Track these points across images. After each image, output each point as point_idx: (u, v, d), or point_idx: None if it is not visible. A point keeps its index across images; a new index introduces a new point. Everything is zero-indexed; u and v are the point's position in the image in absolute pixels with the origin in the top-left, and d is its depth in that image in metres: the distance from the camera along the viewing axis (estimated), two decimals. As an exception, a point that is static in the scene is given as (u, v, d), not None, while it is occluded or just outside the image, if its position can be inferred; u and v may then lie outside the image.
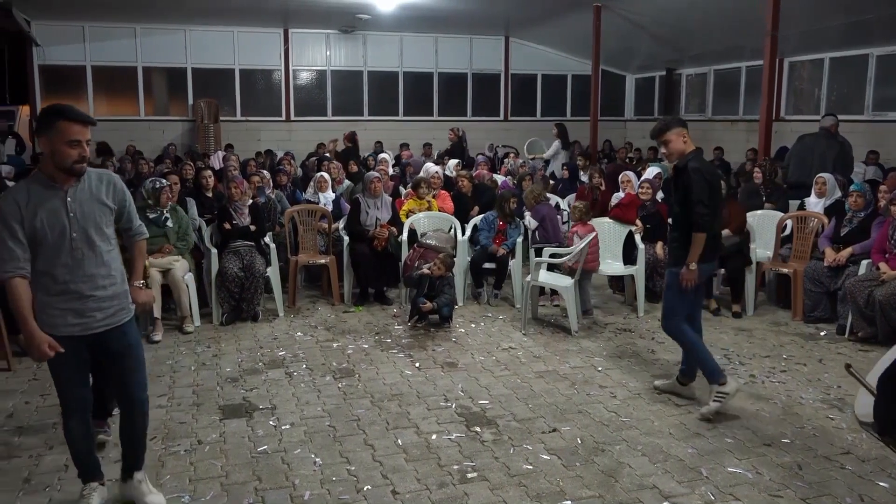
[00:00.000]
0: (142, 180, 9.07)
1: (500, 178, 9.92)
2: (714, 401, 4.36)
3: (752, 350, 5.66)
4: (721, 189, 4.79)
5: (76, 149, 2.92)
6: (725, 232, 6.58)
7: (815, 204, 7.09)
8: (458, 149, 13.22)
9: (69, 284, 3.00)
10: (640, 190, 7.22)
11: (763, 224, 7.21)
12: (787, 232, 7.05)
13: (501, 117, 16.81)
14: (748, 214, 6.96)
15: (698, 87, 15.60)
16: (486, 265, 6.93)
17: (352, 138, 12.71)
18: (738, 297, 6.61)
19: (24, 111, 16.26)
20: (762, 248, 7.02)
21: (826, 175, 7.22)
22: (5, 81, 13.14)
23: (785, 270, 6.66)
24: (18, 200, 2.93)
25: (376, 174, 7.38)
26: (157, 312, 5.86)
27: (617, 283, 7.36)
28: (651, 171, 8.57)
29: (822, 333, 6.05)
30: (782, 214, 7.17)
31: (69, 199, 2.99)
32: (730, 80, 14.54)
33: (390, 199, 7.37)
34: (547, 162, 12.91)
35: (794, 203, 7.72)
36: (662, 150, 4.53)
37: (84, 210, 3.02)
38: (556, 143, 12.92)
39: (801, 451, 3.96)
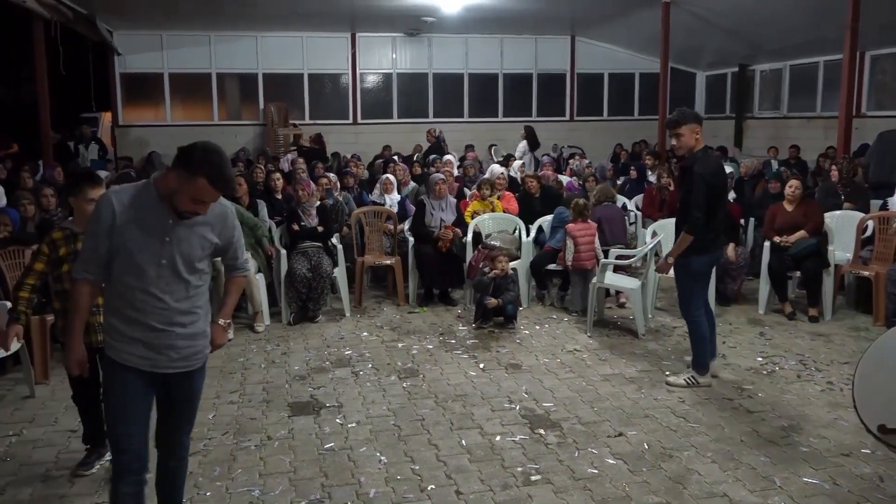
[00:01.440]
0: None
1: (565, 179, 9.83)
2: (685, 380, 4.84)
3: (830, 356, 5.44)
4: (726, 188, 5.12)
5: (197, 206, 2.62)
6: (800, 233, 6.37)
7: (897, 204, 6.78)
8: (436, 150, 12.93)
9: (145, 313, 2.65)
10: None
11: (842, 225, 6.91)
12: (869, 233, 6.75)
13: (567, 117, 16.65)
14: (826, 215, 6.69)
15: (773, 83, 15.08)
16: (550, 266, 6.87)
17: (318, 140, 12.80)
18: (814, 300, 6.36)
19: (107, 117, 17.02)
20: (841, 250, 6.72)
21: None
22: (90, 89, 13.77)
23: (866, 273, 6.37)
24: (117, 206, 2.61)
25: (440, 176, 7.42)
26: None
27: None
28: (722, 171, 8.35)
29: (906, 339, 5.76)
30: (862, 215, 6.86)
31: (175, 222, 2.65)
32: (807, 75, 14.01)
33: (455, 200, 7.40)
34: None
35: (875, 203, 7.38)
36: (673, 141, 4.63)
37: (181, 238, 2.66)
38: (523, 145, 12.99)
39: (882, 461, 3.78)
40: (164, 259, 2.64)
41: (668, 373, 5.08)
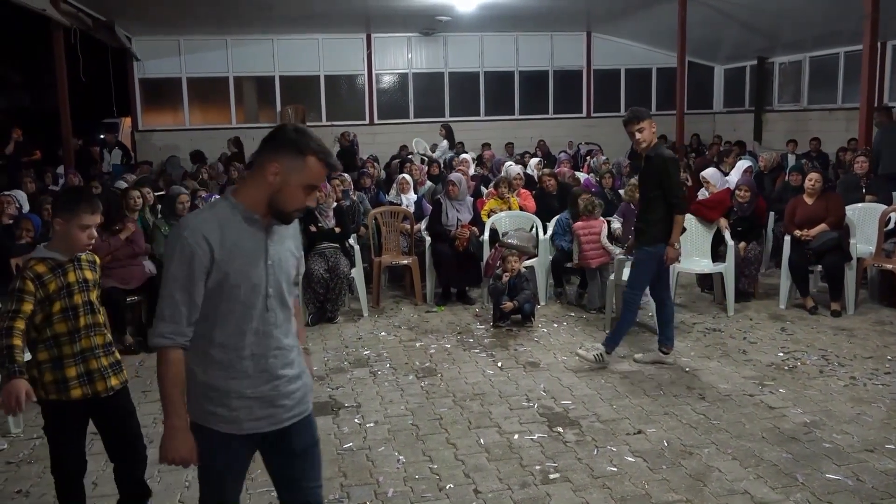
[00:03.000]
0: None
1: (582, 176, 9.79)
2: (593, 355, 5.09)
3: (853, 351, 5.37)
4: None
5: (311, 195, 2.20)
6: (821, 226, 6.29)
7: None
8: (348, 154, 12.67)
9: (260, 361, 2.18)
10: (738, 193, 6.85)
11: (864, 217, 6.82)
12: (892, 226, 6.65)
13: (584, 114, 16.57)
14: (847, 208, 6.60)
15: (792, 75, 14.89)
16: (569, 265, 6.84)
17: (237, 143, 12.81)
18: (837, 294, 6.27)
19: (127, 122, 17.23)
20: (863, 244, 6.63)
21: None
22: (111, 95, 13.97)
23: (889, 266, 6.28)
24: (210, 237, 2.08)
25: (458, 176, 7.41)
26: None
27: (705, 281, 7.12)
28: (741, 165, 8.27)
29: (931, 333, 5.68)
30: (885, 207, 6.76)
31: (269, 240, 2.19)
32: (827, 66, 13.82)
33: (471, 199, 7.39)
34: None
35: (897, 195, 7.27)
36: (637, 136, 4.85)
37: (279, 258, 2.21)
38: (444, 144, 13.05)
39: (907, 458, 3.73)
40: (271, 287, 2.18)
41: (579, 347, 5.34)
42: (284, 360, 2.23)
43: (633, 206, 6.61)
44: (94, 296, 3.01)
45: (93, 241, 2.96)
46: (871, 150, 8.01)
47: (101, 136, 14.98)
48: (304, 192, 2.15)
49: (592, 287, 6.62)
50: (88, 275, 3.00)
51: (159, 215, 6.80)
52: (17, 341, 2.80)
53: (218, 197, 2.14)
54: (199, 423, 2.19)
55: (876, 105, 9.76)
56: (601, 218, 6.69)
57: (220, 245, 2.08)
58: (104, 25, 11.95)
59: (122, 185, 9.23)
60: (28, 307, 2.83)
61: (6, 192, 6.60)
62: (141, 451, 3.16)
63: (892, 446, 3.84)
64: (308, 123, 14.72)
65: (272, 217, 2.17)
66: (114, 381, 3.01)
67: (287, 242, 2.27)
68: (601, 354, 5.12)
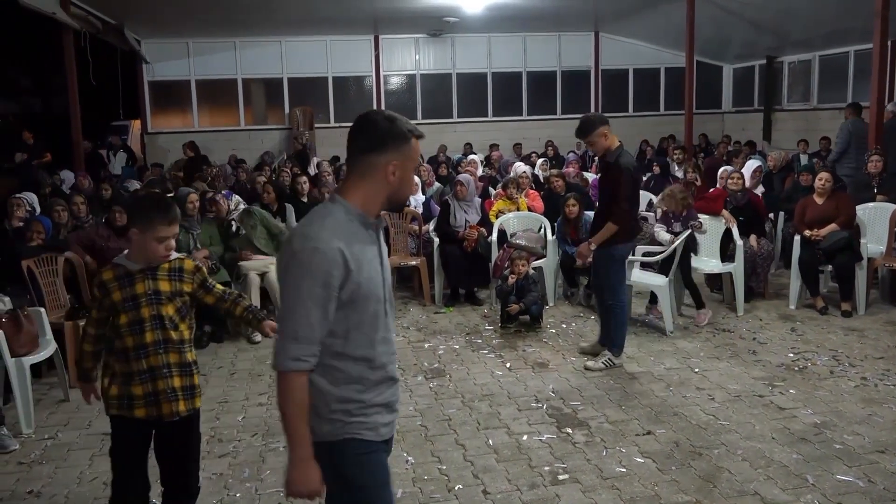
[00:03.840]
0: (241, 187, 9.49)
1: (591, 177, 9.76)
2: (603, 363, 5.12)
3: (864, 351, 5.34)
4: (640, 182, 5.68)
5: (413, 176, 2.15)
6: (831, 226, 6.25)
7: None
8: (302, 157, 12.69)
9: (387, 368, 2.10)
10: (729, 180, 6.88)
11: (875, 217, 6.77)
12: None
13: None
14: (858, 207, 6.56)
15: (802, 74, 14.81)
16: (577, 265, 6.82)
17: (192, 146, 12.72)
18: (847, 295, 6.24)
19: (136, 125, 17.31)
20: (874, 243, 6.59)
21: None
22: (120, 98, 14.04)
23: (900, 266, 6.24)
24: (343, 248, 1.94)
25: (466, 177, 7.41)
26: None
27: (714, 281, 7.09)
28: (751, 165, 8.23)
29: (943, 333, 5.64)
30: (895, 206, 6.72)
31: (380, 242, 2.10)
32: (837, 65, 13.73)
33: (479, 200, 7.39)
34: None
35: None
36: (592, 148, 4.99)
37: (386, 258, 2.14)
38: None
39: (919, 459, 3.70)
40: (387, 291, 2.11)
41: (587, 359, 5.29)
42: (395, 365, 2.17)
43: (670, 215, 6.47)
44: (168, 309, 2.77)
45: (171, 252, 2.79)
46: (881, 147, 7.97)
47: (109, 139, 15.04)
48: (412, 176, 2.12)
49: None
50: (164, 286, 2.77)
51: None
52: (87, 346, 2.87)
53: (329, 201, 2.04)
54: (342, 439, 2.02)
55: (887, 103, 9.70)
56: None
57: (351, 255, 1.95)
58: (113, 28, 12.01)
59: (132, 187, 9.30)
60: (95, 313, 2.82)
61: (17, 195, 6.64)
62: (193, 484, 2.97)
63: (904, 447, 3.82)
64: (316, 125, 14.78)
65: (386, 209, 2.13)
66: (181, 407, 2.79)
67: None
68: (610, 359, 5.16)
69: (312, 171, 11.27)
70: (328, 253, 1.91)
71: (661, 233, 6.32)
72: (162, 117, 15.29)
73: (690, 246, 6.27)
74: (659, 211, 6.89)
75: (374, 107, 15.58)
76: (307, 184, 7.91)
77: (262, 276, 6.24)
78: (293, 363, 1.93)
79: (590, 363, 5.20)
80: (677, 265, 6.02)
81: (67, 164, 11.14)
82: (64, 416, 4.66)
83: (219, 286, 3.01)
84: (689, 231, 6.15)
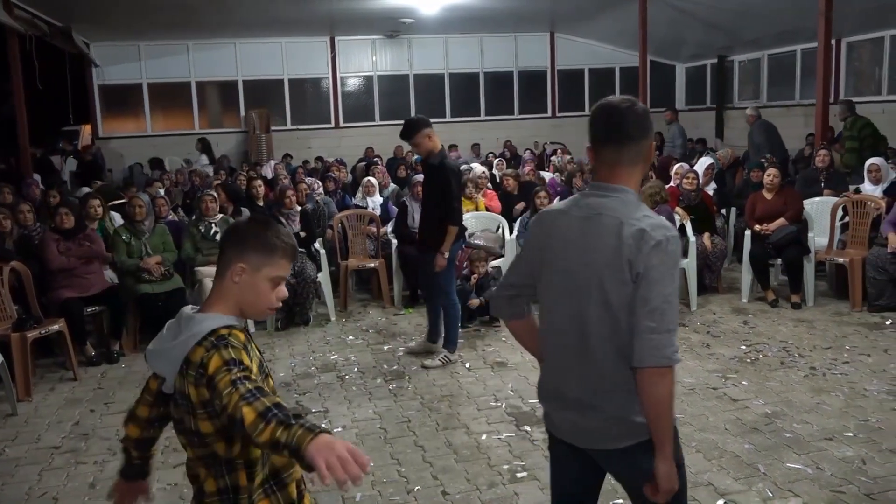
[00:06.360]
0: (196, 192, 9.33)
1: (547, 176, 9.84)
2: (440, 360, 5.25)
3: (813, 342, 5.48)
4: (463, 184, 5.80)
5: None
6: (780, 221, 6.40)
7: (871, 191, 6.85)
8: (94, 167, 12.65)
9: None
10: (684, 180, 7.02)
11: (821, 212, 6.96)
12: (848, 219, 6.80)
13: (549, 114, 16.68)
14: (805, 202, 6.74)
15: (752, 72, 15.16)
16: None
17: (88, 150, 12.72)
18: (796, 287, 6.40)
19: (87, 130, 16.92)
20: (821, 237, 6.77)
21: (878, 160, 6.98)
22: (69, 102, 13.71)
23: (841, 260, 6.41)
24: None
25: (421, 177, 7.40)
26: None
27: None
28: (703, 163, 8.40)
29: (887, 322, 5.81)
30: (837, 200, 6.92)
31: None
32: (785, 64, 14.09)
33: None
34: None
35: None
36: (415, 149, 5.12)
37: None
38: (203, 158, 13.34)
39: (864, 444, 3.81)
40: None
41: (422, 359, 5.40)
42: None
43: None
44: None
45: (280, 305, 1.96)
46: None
47: (59, 145, 14.68)
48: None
49: None
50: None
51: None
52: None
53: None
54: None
55: (833, 100, 9.98)
56: None
57: None
58: (61, 31, 11.71)
59: (83, 192, 9.08)
60: (250, 384, 1.76)
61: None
62: None
63: (850, 434, 3.93)
64: (273, 128, 14.63)
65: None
66: None
67: None
68: (447, 356, 5.30)
69: (269, 173, 11.14)
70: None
71: None
72: (114, 121, 14.97)
73: None
74: None
75: (332, 109, 15.48)
76: (262, 187, 7.81)
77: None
78: (677, 355, 1.91)
79: (427, 362, 5.29)
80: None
81: (18, 171, 10.85)
82: (11, 430, 4.52)
83: None
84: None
